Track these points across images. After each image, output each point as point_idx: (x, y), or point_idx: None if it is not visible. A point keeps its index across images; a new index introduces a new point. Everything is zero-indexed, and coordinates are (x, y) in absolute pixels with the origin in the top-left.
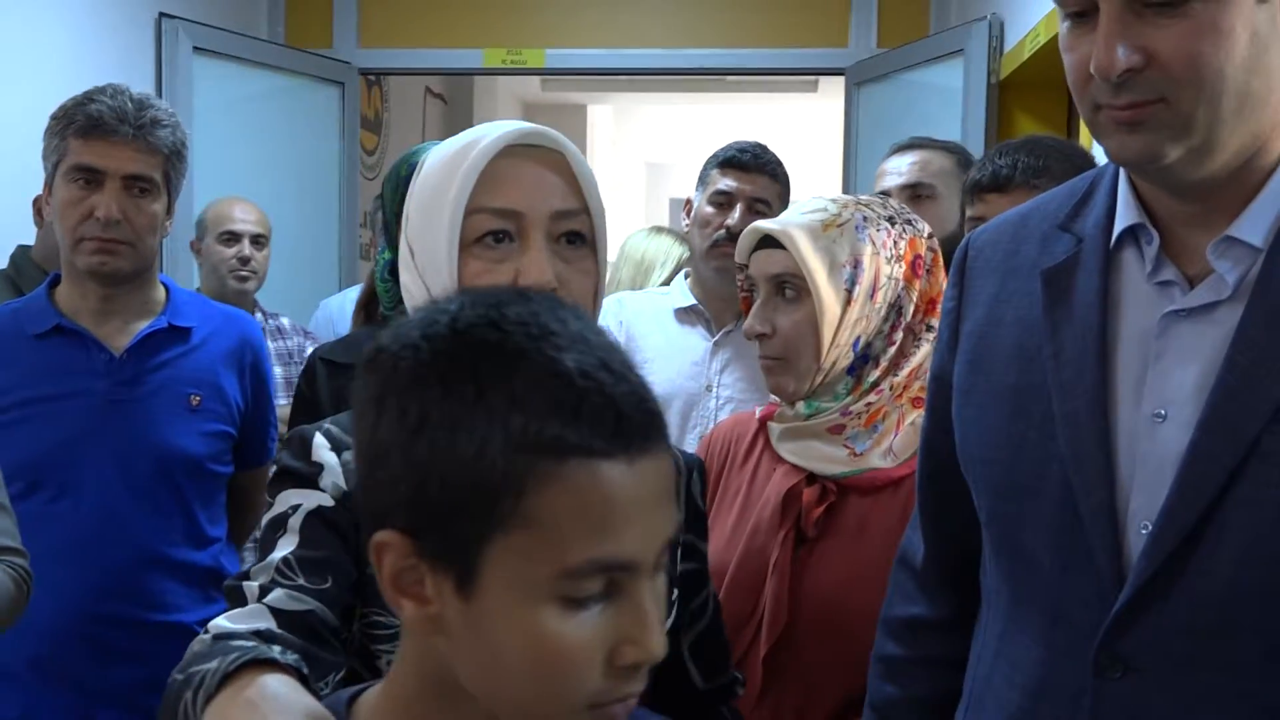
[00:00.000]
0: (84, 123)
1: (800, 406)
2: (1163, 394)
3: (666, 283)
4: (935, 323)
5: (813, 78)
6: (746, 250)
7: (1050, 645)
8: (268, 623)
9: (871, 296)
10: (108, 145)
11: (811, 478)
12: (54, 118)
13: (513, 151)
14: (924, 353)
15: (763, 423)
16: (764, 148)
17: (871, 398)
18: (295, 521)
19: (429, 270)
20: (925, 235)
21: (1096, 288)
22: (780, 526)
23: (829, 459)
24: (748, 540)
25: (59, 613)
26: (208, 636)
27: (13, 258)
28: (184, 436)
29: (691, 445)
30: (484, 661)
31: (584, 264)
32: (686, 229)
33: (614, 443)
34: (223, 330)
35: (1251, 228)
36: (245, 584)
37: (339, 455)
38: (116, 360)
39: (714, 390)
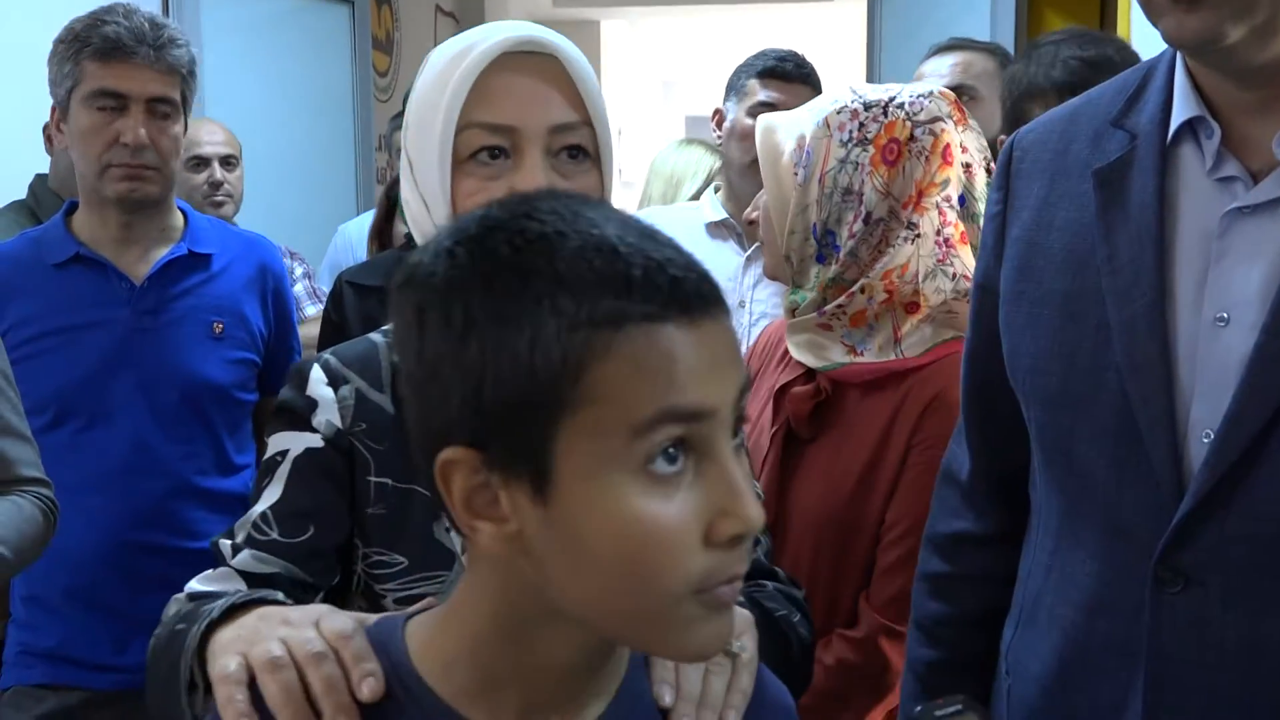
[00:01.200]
0: (101, 45)
1: (792, 295)
2: (1225, 296)
3: (697, 196)
4: (917, 219)
5: None
6: None
7: (1107, 560)
8: (237, 585)
9: (820, 180)
10: (129, 68)
11: (811, 374)
12: (63, 41)
13: (507, 61)
14: (907, 252)
15: None
16: (802, 57)
17: (842, 300)
18: (283, 469)
19: (423, 185)
20: (919, 119)
21: (1153, 186)
22: (771, 423)
23: (824, 353)
24: (753, 439)
25: (92, 542)
26: (183, 596)
27: (31, 187)
28: (208, 364)
29: None
30: (574, 566)
31: (586, 179)
32: (718, 140)
33: (670, 306)
34: (243, 256)
35: None
36: (223, 542)
37: (336, 390)
38: (138, 289)
39: (747, 306)
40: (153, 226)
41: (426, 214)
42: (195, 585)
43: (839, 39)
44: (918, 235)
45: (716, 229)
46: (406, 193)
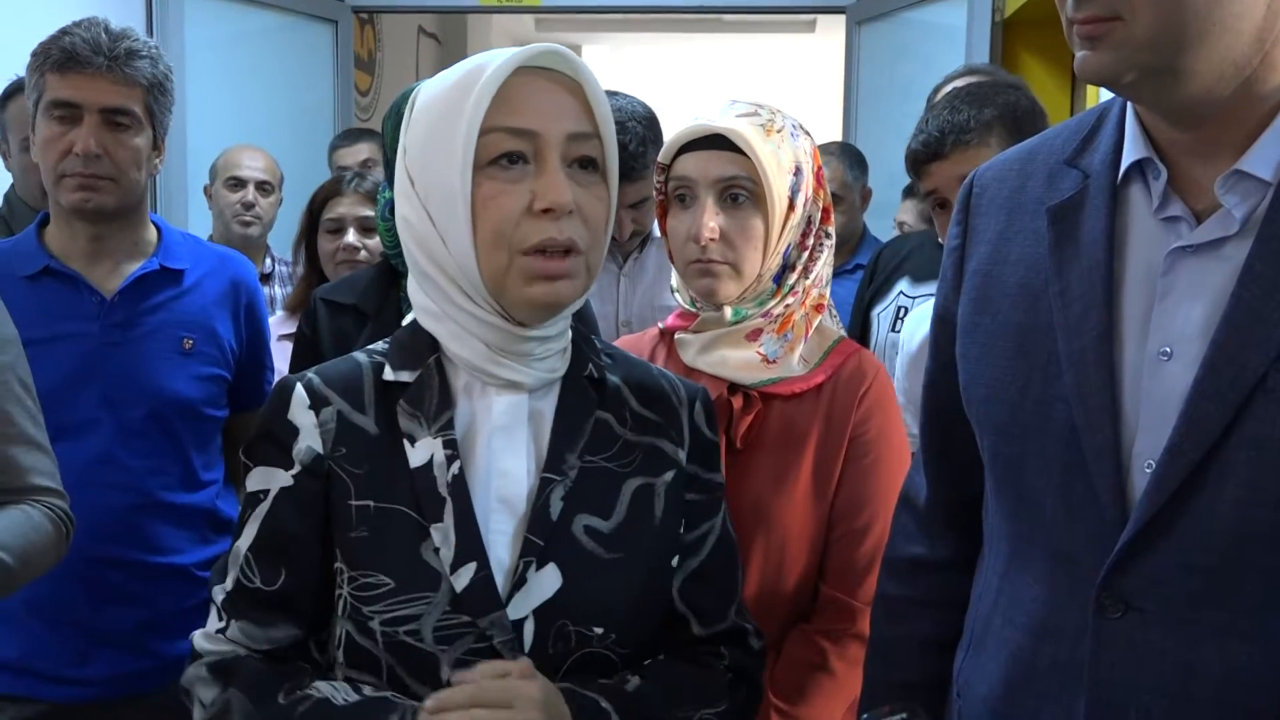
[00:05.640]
0: (59, 57)
1: (728, 313)
2: (1168, 332)
3: None
4: (831, 230)
5: (810, 16)
6: (672, 150)
7: (1052, 585)
8: (237, 650)
9: (805, 205)
10: (83, 78)
11: (733, 389)
12: (33, 55)
13: (526, 72)
14: (824, 260)
15: (666, 337)
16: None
17: (789, 300)
18: (263, 508)
19: (434, 197)
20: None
21: (1103, 225)
22: None
23: (747, 367)
24: None
25: None
26: (207, 674)
27: (6, 197)
28: (177, 380)
29: None
30: None
31: (597, 189)
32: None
33: None
34: (216, 272)
35: (1260, 161)
36: (216, 592)
37: (318, 413)
38: (108, 303)
39: (632, 326)
40: (124, 240)
41: (431, 227)
42: (203, 644)
43: (819, 68)
44: (831, 244)
45: None
46: (405, 209)
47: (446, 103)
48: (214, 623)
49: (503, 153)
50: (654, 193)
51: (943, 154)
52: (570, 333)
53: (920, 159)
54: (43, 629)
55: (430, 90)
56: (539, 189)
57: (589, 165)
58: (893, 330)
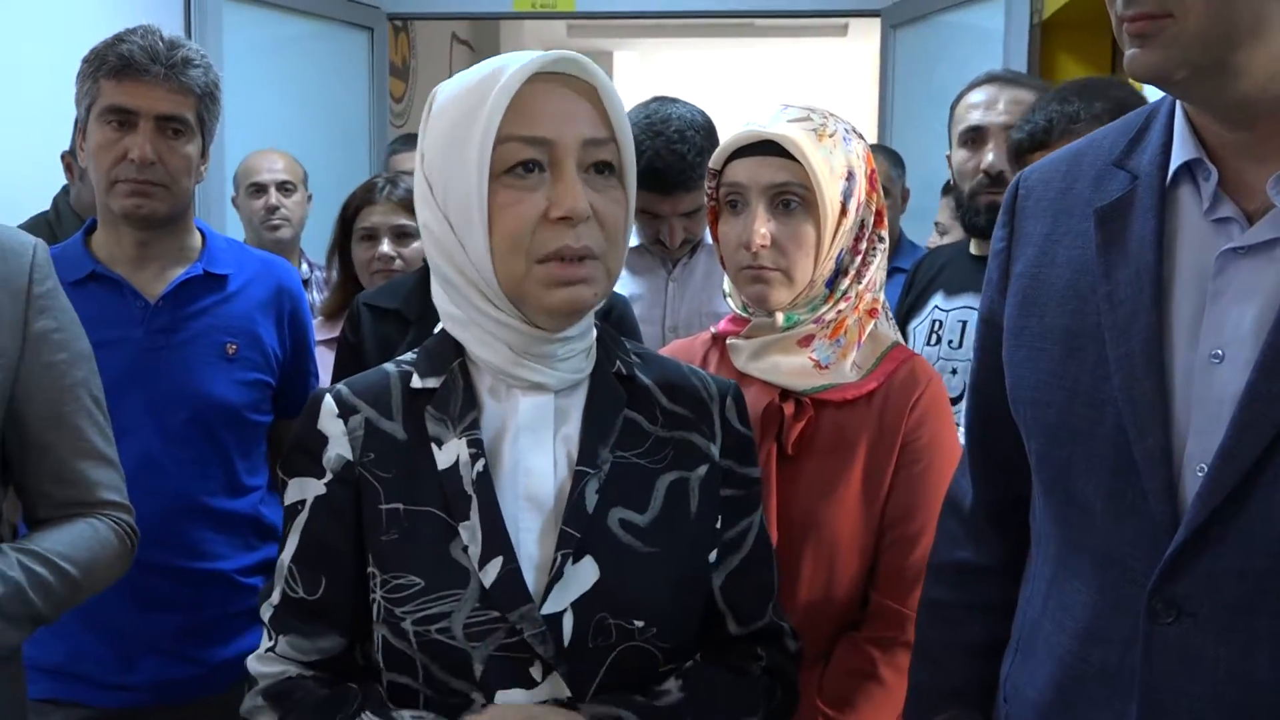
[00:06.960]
0: (115, 63)
1: (780, 318)
2: (1220, 334)
3: None
4: (884, 234)
5: (842, 20)
6: (723, 156)
7: (1102, 590)
8: (286, 668)
9: (857, 210)
10: (140, 85)
11: (784, 395)
12: (85, 60)
13: (541, 79)
14: (877, 263)
15: (718, 342)
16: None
17: (842, 305)
18: (301, 519)
19: (452, 203)
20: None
21: (1152, 226)
22: (762, 444)
23: (799, 373)
24: None
25: None
26: (258, 695)
27: (55, 200)
28: (220, 385)
29: None
30: None
31: (614, 193)
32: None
33: None
34: (260, 277)
35: None
36: (264, 610)
37: (346, 421)
38: (152, 308)
39: (678, 331)
40: (169, 245)
41: (451, 233)
42: (256, 667)
43: (851, 72)
44: (884, 248)
45: (639, 254)
46: (425, 215)
47: (461, 109)
48: (265, 642)
49: (518, 161)
50: (705, 199)
51: (1049, 144)
52: (595, 331)
53: (1024, 148)
54: (88, 634)
55: (445, 95)
56: (555, 197)
57: (606, 169)
58: (928, 344)
